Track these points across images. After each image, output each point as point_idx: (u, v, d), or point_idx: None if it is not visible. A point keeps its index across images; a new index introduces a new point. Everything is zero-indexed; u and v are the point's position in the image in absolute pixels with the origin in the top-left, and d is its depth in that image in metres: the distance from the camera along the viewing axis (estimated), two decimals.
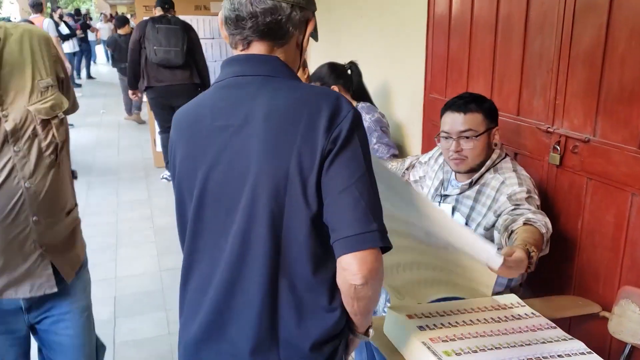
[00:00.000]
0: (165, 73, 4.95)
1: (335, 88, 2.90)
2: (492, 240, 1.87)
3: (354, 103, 2.96)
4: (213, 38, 5.96)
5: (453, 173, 2.09)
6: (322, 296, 1.13)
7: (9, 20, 8.31)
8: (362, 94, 2.99)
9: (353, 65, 2.99)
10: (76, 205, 1.75)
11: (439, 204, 2.05)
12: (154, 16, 5.00)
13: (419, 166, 2.33)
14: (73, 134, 7.63)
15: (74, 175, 1.87)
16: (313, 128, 1.06)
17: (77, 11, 15.52)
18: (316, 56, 4.77)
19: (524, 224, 1.68)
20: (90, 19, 15.31)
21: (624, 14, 1.78)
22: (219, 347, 1.18)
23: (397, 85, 3.33)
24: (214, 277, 1.17)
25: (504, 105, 2.35)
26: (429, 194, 2.16)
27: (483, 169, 1.96)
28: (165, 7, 5.03)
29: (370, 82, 3.12)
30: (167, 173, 5.51)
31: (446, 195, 2.06)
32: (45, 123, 1.51)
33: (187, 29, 5.00)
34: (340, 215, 1.05)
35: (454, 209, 2.02)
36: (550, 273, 2.13)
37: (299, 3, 1.14)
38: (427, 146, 2.98)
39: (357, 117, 1.09)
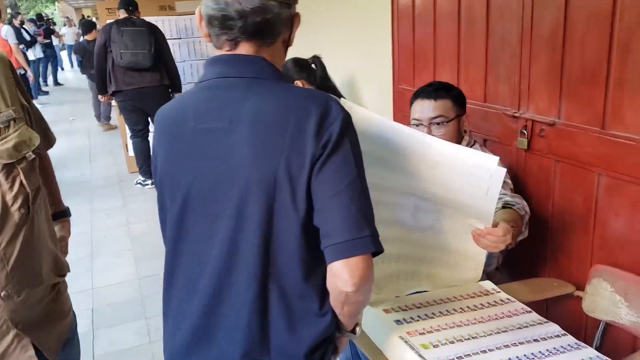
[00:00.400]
0: (134, 76, 4.87)
1: (299, 82, 2.88)
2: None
3: None
4: (180, 38, 5.88)
5: None
6: (313, 302, 1.11)
7: None
8: (327, 87, 2.98)
9: (317, 59, 2.97)
10: (64, 270, 1.46)
11: None
12: (118, 19, 4.91)
13: None
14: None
15: (65, 213, 1.55)
16: (302, 132, 1.03)
17: (39, 16, 15.16)
18: (292, 50, 4.75)
19: (503, 207, 1.70)
20: (54, 23, 14.98)
21: None
22: (208, 353, 1.15)
23: (366, 77, 3.33)
24: (200, 283, 1.14)
25: (470, 92, 2.36)
26: None
27: None
28: (129, 9, 4.93)
29: (339, 75, 3.12)
30: (141, 178, 5.45)
31: None
32: (10, 169, 1.19)
33: (154, 30, 4.92)
34: (332, 221, 1.03)
35: None
36: (525, 256, 2.16)
37: (286, 0, 1.10)
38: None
39: (347, 120, 1.06)
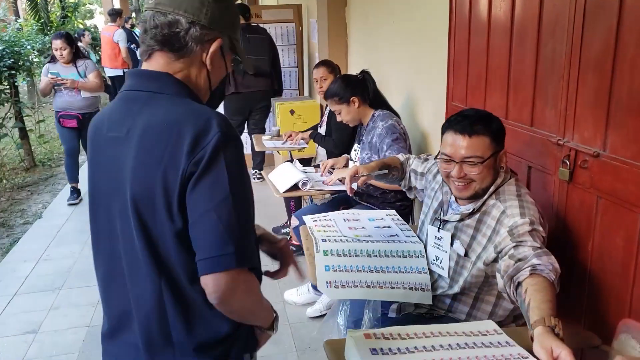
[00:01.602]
0: (252, 80, 5.18)
1: (355, 100, 2.85)
2: (494, 279, 1.72)
3: (371, 111, 2.88)
4: None
5: (453, 195, 1.90)
6: (204, 303, 1.15)
7: (87, 31, 8.82)
8: (379, 102, 2.91)
9: (366, 73, 2.92)
10: None
11: (438, 230, 1.89)
12: (242, 25, 5.14)
13: (419, 176, 2.18)
14: None
15: None
16: (178, 149, 1.07)
17: None
18: (355, 60, 4.71)
19: (531, 274, 1.51)
20: None
21: (635, 14, 1.61)
22: (128, 337, 1.23)
23: (422, 94, 3.21)
24: (115, 277, 1.23)
25: (518, 114, 2.20)
26: (427, 216, 2.01)
27: (485, 196, 1.76)
28: (245, 16, 5.24)
29: (396, 91, 3.04)
30: (255, 172, 5.63)
31: (446, 221, 1.88)
32: None
33: (270, 39, 5.30)
34: (201, 236, 1.08)
35: (453, 237, 1.84)
36: (560, 297, 1.95)
37: (199, 21, 1.17)
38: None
39: (224, 140, 1.08)
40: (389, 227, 2.15)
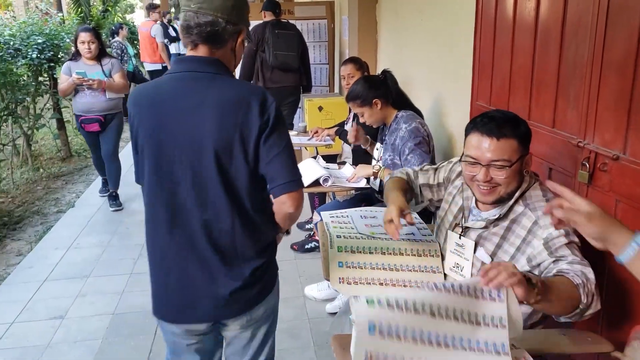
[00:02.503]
0: (280, 75, 5.21)
1: (377, 102, 2.82)
2: None
3: (394, 111, 2.86)
4: None
5: (474, 200, 1.83)
6: (264, 221, 1.64)
7: (124, 26, 9.00)
8: (401, 101, 2.89)
9: (388, 73, 2.90)
10: None
11: (460, 237, 1.83)
12: (270, 21, 5.22)
13: (435, 188, 2.08)
14: None
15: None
16: (250, 114, 1.50)
17: None
18: (384, 58, 4.70)
19: (554, 275, 1.50)
20: None
21: None
22: (197, 254, 1.60)
23: (448, 92, 3.19)
24: (169, 216, 1.59)
25: (540, 116, 2.17)
26: (445, 220, 1.96)
27: (511, 201, 1.68)
28: (275, 12, 5.28)
29: (424, 88, 3.02)
30: None
31: (467, 228, 1.81)
32: None
33: (300, 35, 5.30)
34: (278, 169, 1.54)
35: (476, 244, 1.77)
36: None
37: (231, 20, 1.54)
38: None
39: (277, 106, 1.56)
40: (405, 225, 2.14)
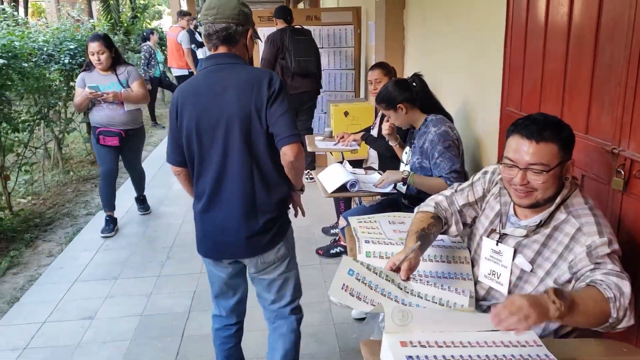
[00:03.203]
0: (299, 81, 5.30)
1: (402, 107, 2.82)
2: None
3: (423, 115, 2.85)
4: (322, 47, 6.08)
5: (512, 207, 1.79)
6: (278, 178, 2.07)
7: (154, 32, 9.14)
8: (430, 106, 2.87)
9: (417, 77, 2.88)
10: None
11: (497, 244, 1.79)
12: (289, 28, 5.28)
13: (477, 205, 1.96)
14: None
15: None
16: (261, 89, 1.96)
17: None
18: (411, 63, 4.68)
19: (587, 285, 1.48)
20: None
21: None
22: (217, 213, 2.11)
23: (477, 98, 3.15)
24: (209, 174, 2.06)
25: (573, 121, 2.11)
26: (480, 225, 1.90)
27: (552, 207, 1.64)
28: (287, 19, 5.35)
29: (452, 93, 3.00)
30: (308, 172, 5.52)
31: (505, 235, 1.77)
32: None
33: (313, 40, 5.42)
34: (281, 126, 1.96)
35: (515, 252, 1.73)
36: None
37: (240, 23, 2.03)
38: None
39: (282, 82, 2.01)
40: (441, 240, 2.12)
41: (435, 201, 1.99)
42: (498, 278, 1.79)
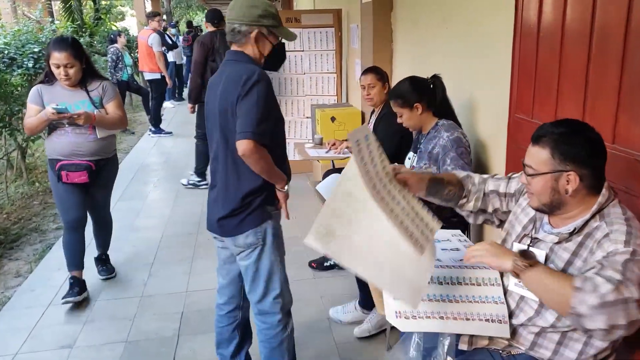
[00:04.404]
0: None
1: (418, 106, 2.68)
2: None
3: (434, 119, 2.71)
4: (303, 50, 5.91)
5: (546, 215, 1.71)
6: (249, 171, 2.16)
7: (122, 34, 8.81)
8: (445, 111, 2.74)
9: (437, 79, 2.74)
10: None
11: (528, 247, 1.69)
12: (218, 30, 5.31)
13: (509, 198, 1.95)
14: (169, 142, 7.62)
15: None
16: (237, 85, 2.08)
17: (189, 23, 16.26)
18: (400, 69, 4.55)
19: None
20: (201, 31, 15.98)
21: None
22: (211, 193, 2.38)
23: (481, 102, 3.02)
24: (213, 160, 2.33)
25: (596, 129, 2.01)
26: (513, 232, 1.82)
27: (587, 215, 1.57)
28: (215, 22, 5.40)
29: (454, 97, 2.86)
30: (197, 178, 5.95)
31: (537, 239, 1.69)
32: None
33: None
34: (239, 123, 2.07)
35: (547, 258, 1.64)
36: None
37: (244, 22, 2.16)
38: (510, 171, 2.65)
39: (257, 80, 2.07)
40: (457, 249, 1.98)
41: (469, 174, 2.02)
42: None
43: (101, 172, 3.40)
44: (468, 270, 1.78)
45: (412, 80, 2.75)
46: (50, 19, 9.71)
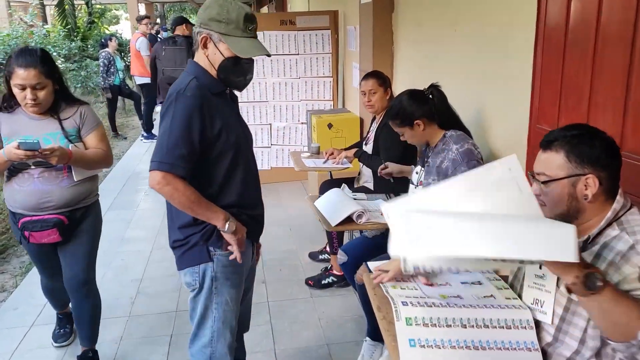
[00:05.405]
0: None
1: (419, 123, 2.44)
2: None
3: (441, 131, 2.47)
4: (298, 54, 5.69)
5: None
6: None
7: (113, 38, 8.58)
8: (450, 120, 2.50)
9: (434, 89, 2.50)
10: None
11: (540, 267, 1.54)
12: (170, 37, 5.87)
13: None
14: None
15: None
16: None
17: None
18: (402, 74, 4.32)
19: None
20: None
21: None
22: None
23: (496, 111, 2.79)
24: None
25: (638, 146, 1.78)
26: None
27: (602, 223, 1.43)
28: (171, 28, 5.91)
29: (464, 105, 2.63)
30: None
31: None
32: None
33: (189, 49, 5.53)
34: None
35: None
36: None
37: (200, 26, 1.88)
38: (530, 185, 2.42)
39: (176, 97, 1.82)
40: (479, 283, 1.74)
41: None
42: (542, 307, 1.53)
43: (79, 225, 2.58)
44: (495, 310, 1.55)
45: (408, 97, 2.50)
46: (41, 23, 9.47)
